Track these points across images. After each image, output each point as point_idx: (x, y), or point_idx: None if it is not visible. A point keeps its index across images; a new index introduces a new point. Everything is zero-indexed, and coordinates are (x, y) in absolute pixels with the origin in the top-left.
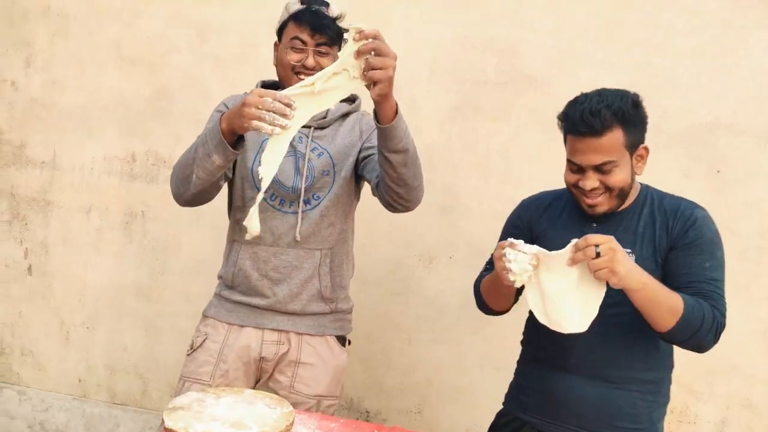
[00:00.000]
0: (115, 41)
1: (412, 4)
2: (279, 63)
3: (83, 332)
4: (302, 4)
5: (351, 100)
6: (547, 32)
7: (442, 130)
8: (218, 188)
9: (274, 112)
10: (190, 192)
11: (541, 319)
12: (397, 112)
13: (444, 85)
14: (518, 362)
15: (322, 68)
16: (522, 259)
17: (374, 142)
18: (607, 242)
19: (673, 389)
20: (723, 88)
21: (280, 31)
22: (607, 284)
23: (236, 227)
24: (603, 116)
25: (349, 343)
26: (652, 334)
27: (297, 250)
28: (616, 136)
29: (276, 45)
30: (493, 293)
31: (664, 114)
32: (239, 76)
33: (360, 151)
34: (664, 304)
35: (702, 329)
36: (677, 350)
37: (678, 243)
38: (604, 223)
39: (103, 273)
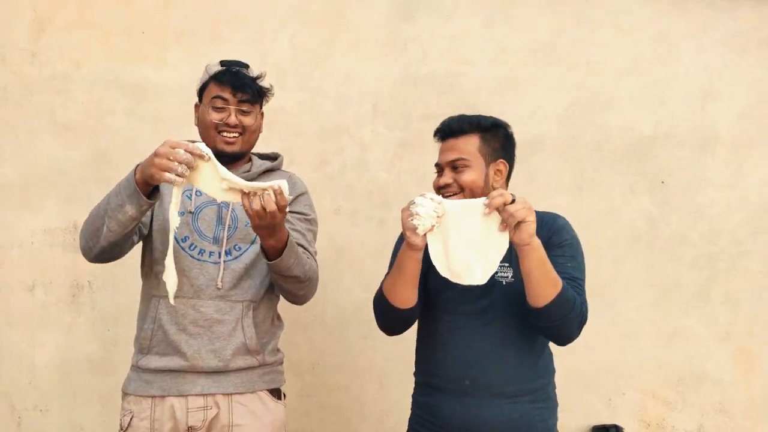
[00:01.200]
0: (49, 109)
1: (350, 48)
2: (201, 123)
3: (36, 415)
4: (222, 66)
5: (273, 158)
6: (486, 62)
7: (391, 168)
8: (131, 244)
9: (186, 164)
10: (100, 245)
11: (443, 271)
12: (286, 244)
13: (389, 123)
14: (413, 395)
15: (243, 127)
16: (428, 204)
17: (291, 217)
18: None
19: (648, 403)
20: (660, 100)
21: (201, 92)
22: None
23: (155, 281)
24: (461, 122)
25: (284, 396)
26: (534, 341)
27: (218, 302)
28: (471, 140)
29: (196, 106)
30: (396, 278)
31: (607, 132)
32: (181, 136)
33: None
34: (551, 274)
35: (573, 312)
36: (650, 365)
37: (545, 246)
38: None
39: (53, 350)
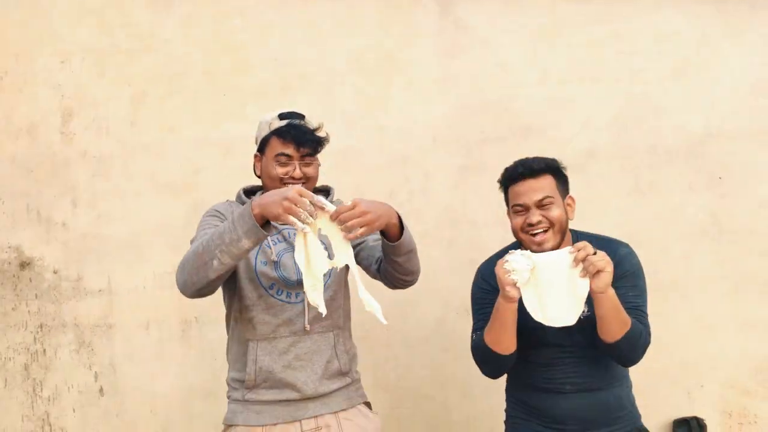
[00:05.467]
0: (149, 171)
1: (406, 87)
2: (266, 175)
3: None
4: (281, 119)
5: (326, 191)
6: (533, 84)
7: (456, 191)
8: (223, 281)
9: (309, 213)
10: (207, 278)
11: (537, 316)
12: (401, 225)
13: (449, 150)
14: (508, 389)
15: (307, 177)
16: (521, 260)
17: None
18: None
19: (727, 393)
20: (708, 99)
21: (263, 145)
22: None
23: (249, 326)
24: (536, 162)
25: (371, 408)
26: (599, 350)
27: (312, 336)
28: (548, 179)
29: (257, 157)
30: (497, 329)
31: (659, 134)
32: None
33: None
34: (621, 314)
35: (638, 344)
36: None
37: None
38: None
39: (170, 381)
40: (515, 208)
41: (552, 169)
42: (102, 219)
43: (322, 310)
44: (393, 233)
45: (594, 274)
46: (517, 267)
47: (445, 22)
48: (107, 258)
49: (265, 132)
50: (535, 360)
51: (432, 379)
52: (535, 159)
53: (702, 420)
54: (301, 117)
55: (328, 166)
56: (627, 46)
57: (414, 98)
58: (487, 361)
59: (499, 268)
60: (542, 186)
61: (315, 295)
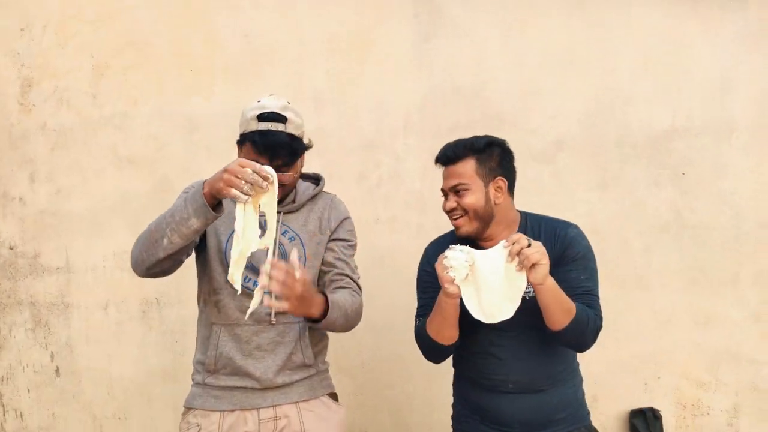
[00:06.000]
0: (111, 145)
1: (379, 69)
2: None
3: (116, 423)
4: (259, 121)
5: (316, 179)
6: (507, 72)
7: (425, 177)
8: (180, 263)
9: (252, 184)
10: (156, 257)
11: (477, 314)
12: (319, 315)
13: (420, 136)
14: (456, 387)
15: (282, 184)
16: (459, 257)
17: (336, 246)
18: (531, 239)
19: (683, 384)
20: (676, 96)
21: (240, 143)
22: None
23: (214, 310)
24: (456, 147)
25: (337, 399)
26: (547, 337)
27: (277, 326)
28: (468, 164)
29: (238, 145)
30: (439, 321)
31: (627, 129)
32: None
33: (324, 249)
34: (564, 303)
35: (587, 330)
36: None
37: (559, 261)
38: None
39: (128, 363)
40: (442, 193)
41: (474, 150)
42: (61, 194)
43: (237, 287)
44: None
45: (530, 267)
46: (455, 264)
47: (421, 5)
48: (65, 235)
49: (243, 127)
50: (473, 347)
51: (396, 367)
52: (457, 143)
53: (658, 411)
54: (283, 120)
55: None
56: (600, 38)
57: (387, 81)
58: (429, 349)
59: (439, 264)
60: (459, 172)
61: (235, 269)
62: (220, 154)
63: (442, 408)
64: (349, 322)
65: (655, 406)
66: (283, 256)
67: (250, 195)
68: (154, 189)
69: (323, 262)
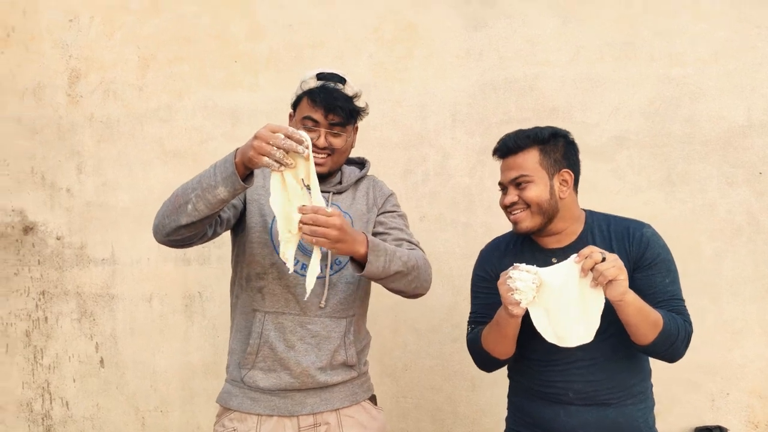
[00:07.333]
0: (157, 137)
1: (426, 60)
2: None
3: (158, 416)
4: (318, 80)
5: (361, 164)
6: (563, 63)
7: (473, 174)
8: (201, 237)
9: (285, 150)
10: (178, 223)
11: (549, 337)
12: (366, 251)
13: (468, 130)
14: (510, 395)
15: (333, 149)
16: (526, 277)
17: (385, 218)
18: (606, 251)
19: (754, 402)
20: (751, 86)
21: (295, 105)
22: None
23: (257, 296)
24: (518, 138)
25: (376, 402)
26: (634, 350)
27: (324, 319)
28: (530, 155)
29: (290, 116)
30: (496, 337)
31: (697, 123)
32: None
33: (375, 224)
34: (650, 318)
35: (677, 341)
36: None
37: (638, 265)
38: (561, 256)
39: (171, 356)
40: (500, 187)
41: (538, 140)
42: (107, 186)
43: (290, 265)
44: (358, 263)
45: (607, 283)
46: (521, 286)
47: None
48: (112, 227)
49: (298, 92)
50: (532, 355)
51: (440, 369)
52: (518, 133)
53: (725, 429)
54: (342, 80)
55: None
56: (664, 24)
57: (434, 72)
58: (484, 361)
59: (502, 284)
60: (519, 163)
61: (286, 247)
62: None
63: (488, 416)
64: (412, 273)
65: (722, 425)
66: None
67: (283, 164)
68: None
69: (375, 236)
